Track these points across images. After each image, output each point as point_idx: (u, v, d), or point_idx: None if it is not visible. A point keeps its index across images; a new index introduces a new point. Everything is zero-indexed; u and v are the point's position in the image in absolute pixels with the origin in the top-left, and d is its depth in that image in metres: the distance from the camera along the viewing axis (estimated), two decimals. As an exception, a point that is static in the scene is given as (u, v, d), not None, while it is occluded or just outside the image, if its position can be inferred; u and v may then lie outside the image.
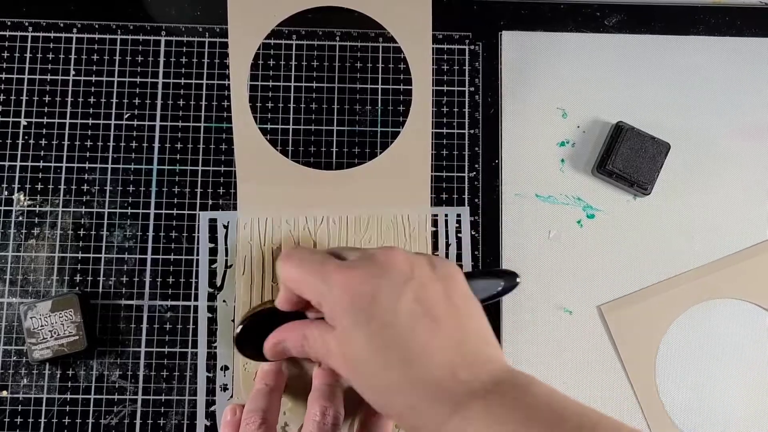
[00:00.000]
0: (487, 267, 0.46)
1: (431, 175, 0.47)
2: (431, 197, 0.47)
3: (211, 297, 0.45)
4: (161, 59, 0.48)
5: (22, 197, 0.46)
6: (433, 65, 0.47)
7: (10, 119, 0.47)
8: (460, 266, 0.45)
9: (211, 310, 0.45)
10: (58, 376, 0.44)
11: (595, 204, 0.48)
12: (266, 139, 0.47)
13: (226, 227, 0.46)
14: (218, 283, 0.45)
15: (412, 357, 0.33)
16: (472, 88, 0.49)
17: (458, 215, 0.47)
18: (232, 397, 0.44)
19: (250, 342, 0.40)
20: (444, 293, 0.34)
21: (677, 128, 0.49)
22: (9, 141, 0.47)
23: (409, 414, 0.33)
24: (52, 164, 0.47)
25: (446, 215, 0.47)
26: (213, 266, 0.46)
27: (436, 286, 0.34)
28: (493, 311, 0.46)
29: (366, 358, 0.33)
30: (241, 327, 0.40)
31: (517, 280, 0.42)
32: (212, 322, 0.45)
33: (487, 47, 0.50)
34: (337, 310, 0.34)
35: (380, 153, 0.47)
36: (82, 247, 0.46)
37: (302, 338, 0.37)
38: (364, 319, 0.33)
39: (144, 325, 0.45)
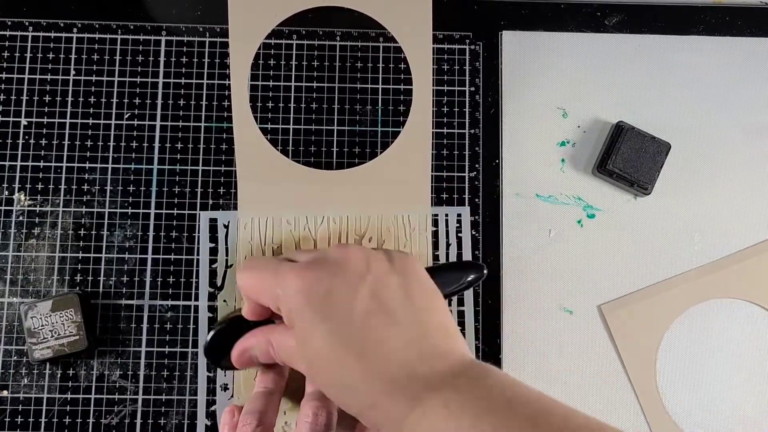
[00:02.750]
0: (461, 261, 0.45)
1: (431, 175, 0.47)
2: (431, 197, 0.47)
3: (212, 297, 0.45)
4: (161, 59, 0.48)
5: (22, 197, 0.46)
6: (433, 65, 0.47)
7: (11, 119, 0.47)
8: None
9: (212, 309, 0.45)
10: (59, 375, 0.44)
11: (596, 204, 0.48)
12: (266, 138, 0.47)
13: (226, 227, 0.46)
14: (219, 283, 0.45)
15: (369, 354, 0.33)
16: (473, 88, 0.49)
17: (458, 215, 0.47)
18: (232, 397, 0.44)
19: (219, 351, 0.40)
20: (401, 287, 0.34)
21: (678, 128, 0.49)
22: (9, 141, 0.47)
23: (369, 411, 0.33)
24: (53, 164, 0.47)
25: (446, 215, 0.47)
26: (213, 266, 0.46)
27: (393, 281, 0.34)
28: (493, 311, 0.46)
29: (324, 357, 0.33)
30: (209, 337, 0.41)
31: (484, 271, 0.42)
32: (213, 321, 0.45)
33: (488, 47, 0.50)
34: (294, 311, 0.34)
35: (380, 153, 0.47)
36: (82, 247, 0.46)
37: (267, 343, 0.38)
38: (320, 318, 0.33)
39: (144, 325, 0.45)
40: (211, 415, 0.44)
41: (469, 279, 0.42)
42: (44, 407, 0.44)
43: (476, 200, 0.48)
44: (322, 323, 0.33)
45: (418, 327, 0.34)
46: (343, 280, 0.34)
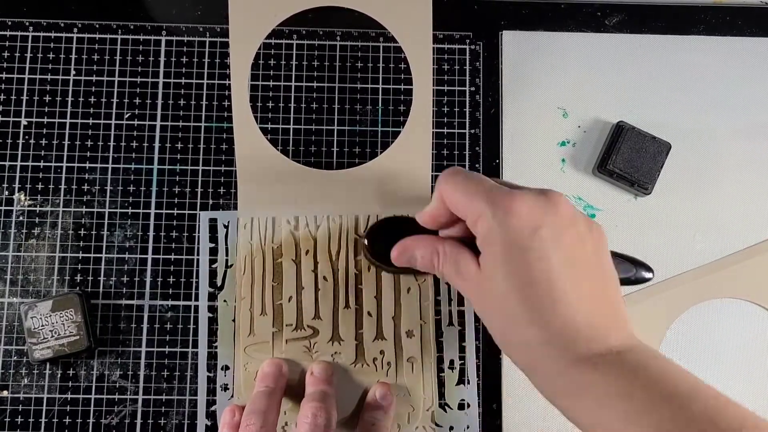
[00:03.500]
0: (634, 258, 0.44)
1: (432, 175, 0.47)
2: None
3: (212, 297, 0.45)
4: (162, 59, 0.48)
5: (22, 197, 0.46)
6: (433, 65, 0.47)
7: (11, 119, 0.47)
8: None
9: (212, 309, 0.45)
10: (59, 375, 0.44)
11: (596, 204, 0.48)
12: (267, 138, 0.47)
13: (226, 227, 0.46)
14: (219, 283, 0.45)
15: (552, 300, 0.33)
16: (473, 88, 0.49)
17: (459, 215, 0.47)
18: (232, 397, 0.44)
19: (377, 246, 0.41)
20: (594, 254, 0.35)
21: (678, 128, 0.49)
22: (9, 141, 0.47)
23: (527, 352, 0.34)
24: (53, 164, 0.47)
25: (447, 215, 0.47)
26: (213, 266, 0.46)
27: (589, 244, 0.35)
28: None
29: (505, 289, 0.34)
30: (369, 229, 0.42)
31: (649, 275, 0.42)
32: (213, 321, 0.45)
33: (488, 47, 0.50)
34: (496, 233, 0.34)
35: (381, 153, 0.47)
36: (82, 247, 0.46)
37: (434, 253, 0.38)
38: (518, 249, 0.33)
39: (144, 325, 0.45)
40: (211, 415, 0.44)
41: (638, 275, 0.41)
42: (44, 407, 0.44)
43: (476, 200, 0.47)
44: (521, 254, 0.33)
45: (601, 293, 0.34)
46: (554, 220, 0.34)
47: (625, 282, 0.41)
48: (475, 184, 0.35)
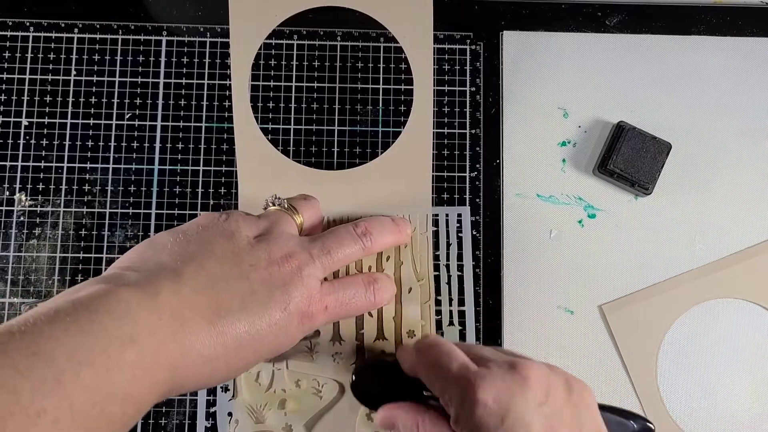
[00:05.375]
0: (628, 411, 0.40)
1: (432, 175, 0.47)
2: (432, 197, 0.47)
3: (212, 297, 0.45)
4: (162, 59, 0.48)
5: (23, 197, 0.46)
6: (434, 65, 0.47)
7: (11, 119, 0.47)
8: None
9: (212, 310, 0.45)
10: (59, 376, 0.44)
11: (597, 204, 0.48)
12: (267, 139, 0.47)
13: (227, 227, 0.46)
14: (219, 283, 0.45)
15: None
16: (473, 88, 0.49)
17: (459, 215, 0.47)
18: (233, 397, 0.44)
19: (364, 388, 0.40)
20: (575, 423, 0.33)
21: (678, 128, 0.49)
22: (10, 141, 0.47)
23: None
24: (53, 164, 0.47)
25: (447, 215, 0.47)
26: (214, 266, 0.45)
27: (568, 414, 0.33)
28: (494, 311, 0.46)
29: None
30: (354, 375, 0.40)
31: (651, 427, 0.39)
32: (213, 322, 0.45)
33: (488, 47, 0.50)
34: (463, 421, 0.33)
35: (381, 153, 0.47)
36: (83, 247, 0.46)
37: (415, 423, 0.37)
38: None
39: (145, 325, 0.45)
40: (211, 416, 0.44)
41: (635, 429, 0.38)
42: (45, 407, 0.44)
43: (477, 200, 0.48)
44: None
45: None
46: (522, 402, 0.32)
47: None
48: (445, 364, 0.34)
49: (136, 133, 0.47)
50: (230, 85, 0.47)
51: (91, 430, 0.26)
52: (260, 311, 0.33)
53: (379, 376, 0.40)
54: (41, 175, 0.46)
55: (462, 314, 0.46)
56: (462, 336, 0.45)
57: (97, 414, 0.26)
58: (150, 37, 0.49)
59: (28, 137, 0.47)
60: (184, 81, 0.48)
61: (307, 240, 0.38)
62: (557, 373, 0.34)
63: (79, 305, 0.28)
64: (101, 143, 0.47)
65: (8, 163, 0.47)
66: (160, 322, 0.30)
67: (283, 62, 0.49)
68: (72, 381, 0.26)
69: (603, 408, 0.36)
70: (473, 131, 0.49)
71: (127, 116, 0.48)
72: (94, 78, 0.48)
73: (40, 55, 0.48)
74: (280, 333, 0.34)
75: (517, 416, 0.32)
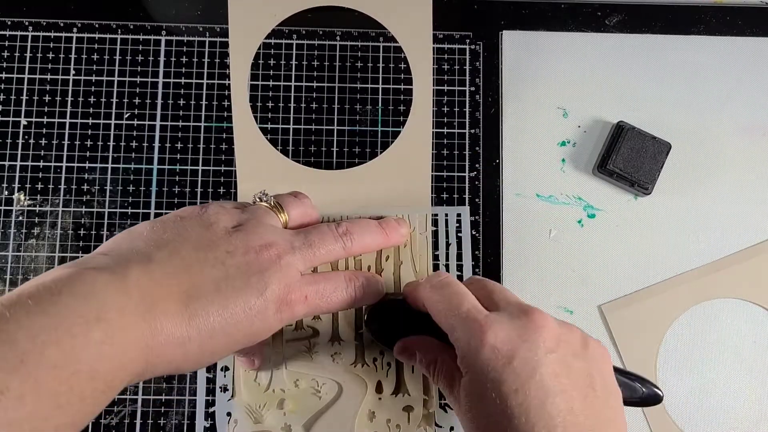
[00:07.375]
0: (640, 376, 0.39)
1: (432, 175, 0.47)
2: (431, 197, 0.46)
3: (212, 297, 0.45)
4: (161, 59, 0.48)
5: (22, 197, 0.46)
6: (433, 65, 0.47)
7: (10, 119, 0.47)
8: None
9: (212, 310, 0.45)
10: (58, 376, 0.44)
11: (596, 204, 0.48)
12: (266, 138, 0.47)
13: (226, 227, 0.46)
14: (218, 283, 0.45)
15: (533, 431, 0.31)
16: (473, 88, 0.49)
17: (458, 215, 0.47)
18: (232, 397, 0.44)
19: (378, 325, 0.41)
20: (586, 374, 0.33)
21: (678, 128, 0.49)
22: (9, 141, 0.47)
23: None
24: (52, 164, 0.47)
25: (446, 215, 0.47)
26: (213, 266, 0.45)
27: (579, 366, 0.33)
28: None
29: (486, 416, 0.32)
30: (367, 314, 0.42)
31: (660, 394, 0.38)
32: (212, 322, 0.45)
33: (488, 47, 0.50)
34: (469, 361, 0.33)
35: (381, 153, 0.47)
36: (82, 247, 0.46)
37: (432, 362, 0.37)
38: (493, 380, 0.32)
39: (144, 325, 0.45)
40: (211, 416, 0.44)
41: (644, 395, 0.38)
42: (44, 407, 0.44)
43: (476, 200, 0.47)
44: (496, 386, 0.32)
45: (593, 420, 0.32)
46: (529, 348, 0.32)
47: (630, 403, 0.38)
48: (456, 305, 0.34)
49: (135, 133, 0.47)
50: (229, 84, 0.47)
51: (62, 405, 0.26)
52: (235, 295, 0.33)
53: (391, 313, 0.41)
54: (40, 175, 0.46)
55: (461, 314, 0.46)
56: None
57: (66, 390, 0.26)
58: (149, 37, 0.48)
59: (27, 136, 0.47)
60: (183, 80, 0.48)
61: (289, 233, 0.37)
62: (573, 330, 0.34)
63: (42, 288, 0.28)
64: (100, 143, 0.47)
65: (7, 163, 0.46)
66: (129, 301, 0.29)
67: (283, 62, 0.49)
68: (36, 360, 0.26)
69: (616, 370, 0.36)
70: (473, 131, 0.48)
71: (126, 116, 0.48)
72: (93, 77, 0.48)
73: (39, 55, 0.48)
74: (256, 319, 0.33)
75: (523, 359, 0.32)
